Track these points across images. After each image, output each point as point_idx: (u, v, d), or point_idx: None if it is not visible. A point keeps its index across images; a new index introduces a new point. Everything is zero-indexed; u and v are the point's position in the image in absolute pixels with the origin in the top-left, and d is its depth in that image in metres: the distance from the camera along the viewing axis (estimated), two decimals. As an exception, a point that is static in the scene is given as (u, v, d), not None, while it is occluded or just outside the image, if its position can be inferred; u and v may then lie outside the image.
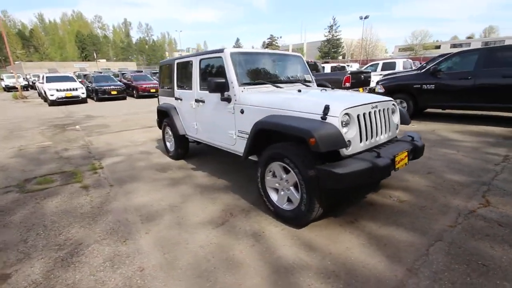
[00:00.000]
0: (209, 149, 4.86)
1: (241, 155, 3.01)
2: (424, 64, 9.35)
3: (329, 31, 52.82)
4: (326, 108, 2.13)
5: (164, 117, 4.60)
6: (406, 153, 2.39)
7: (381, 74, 10.77)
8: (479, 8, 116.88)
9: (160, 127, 4.92)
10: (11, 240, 2.37)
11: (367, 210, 2.61)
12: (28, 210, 2.91)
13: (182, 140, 4.24)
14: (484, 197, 2.76)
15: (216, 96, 3.15)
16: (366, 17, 32.96)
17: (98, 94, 13.84)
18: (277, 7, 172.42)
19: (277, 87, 3.14)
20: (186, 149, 4.40)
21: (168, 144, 4.67)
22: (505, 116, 6.45)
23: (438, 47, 47.53)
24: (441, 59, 6.71)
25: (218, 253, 2.08)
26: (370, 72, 9.49)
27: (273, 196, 2.52)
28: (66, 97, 12.44)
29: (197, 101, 3.56)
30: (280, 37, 56.55)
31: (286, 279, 1.77)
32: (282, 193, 2.44)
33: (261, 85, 3.08)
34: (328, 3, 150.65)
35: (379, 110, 2.49)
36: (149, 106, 12.07)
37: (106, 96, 13.96)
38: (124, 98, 15.03)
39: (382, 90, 7.09)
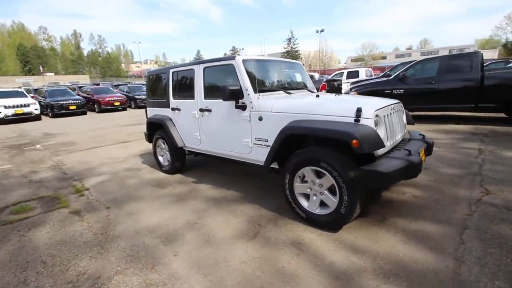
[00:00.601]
0: (205, 161, 4.69)
1: (257, 163, 2.94)
2: (388, 72, 10.27)
3: (288, 44, 55.37)
4: (359, 111, 2.18)
5: (157, 129, 4.30)
6: (423, 150, 2.55)
7: (348, 82, 11.53)
8: (415, 23, 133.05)
9: (149, 141, 4.58)
10: (6, 284, 1.95)
11: (390, 208, 2.69)
12: (13, 246, 2.43)
13: (179, 153, 3.99)
14: (482, 186, 3.04)
15: (227, 104, 3.05)
16: (321, 31, 35.34)
17: (54, 110, 12.47)
18: (232, 20, 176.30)
19: (288, 93, 3.15)
20: (183, 162, 4.15)
21: (161, 158, 4.36)
22: (465, 115, 7.31)
23: (384, 57, 53.00)
24: (407, 66, 7.41)
25: (266, 267, 1.95)
26: (341, 80, 10.10)
27: (304, 202, 2.47)
28: (16, 114, 10.98)
29: (202, 110, 3.39)
30: (243, 49, 57.85)
31: (350, 285, 1.72)
32: (314, 198, 2.40)
33: (274, 92, 3.06)
34: (283, 17, 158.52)
35: (395, 111, 2.63)
36: (116, 120, 11.27)
37: (64, 111, 12.65)
38: (85, 113, 13.77)
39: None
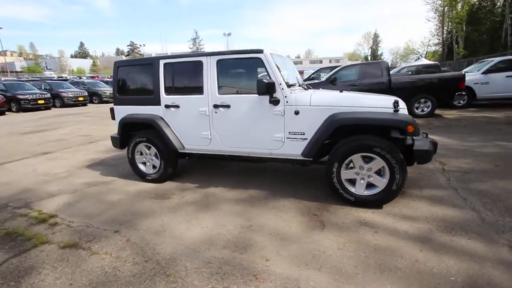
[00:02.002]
0: (189, 163, 4.24)
1: (289, 158, 2.99)
2: (312, 75, 11.84)
3: (193, 43, 54.28)
4: (396, 102, 2.59)
5: (136, 131, 3.61)
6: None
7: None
8: (302, 34, 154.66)
9: (121, 147, 3.78)
10: None
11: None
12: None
13: (173, 157, 3.50)
14: (436, 160, 4.08)
15: (253, 99, 2.94)
16: (229, 34, 36.47)
17: None
18: (125, 12, 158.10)
19: (305, 88, 3.31)
20: (175, 167, 3.65)
21: (142, 166, 3.68)
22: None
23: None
24: (335, 70, 8.76)
25: (362, 247, 2.07)
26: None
27: (350, 187, 2.71)
28: None
29: (216, 106, 3.10)
30: (144, 45, 52.62)
31: (434, 243, 2.07)
32: (361, 181, 2.67)
33: (293, 87, 3.14)
34: (180, 16, 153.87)
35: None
36: (7, 127, 8.46)
37: None
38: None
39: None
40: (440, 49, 35.04)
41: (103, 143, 6.19)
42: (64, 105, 14.42)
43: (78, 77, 33.17)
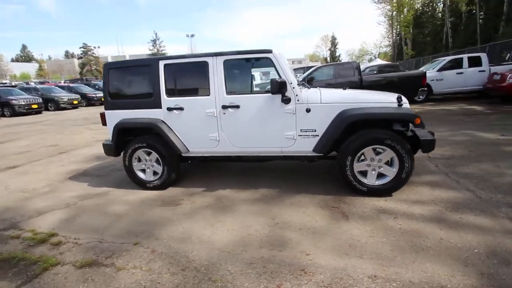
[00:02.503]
0: (193, 166, 4.10)
1: (301, 154, 3.06)
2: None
3: (153, 45, 52.04)
4: (399, 97, 2.80)
5: (132, 137, 3.40)
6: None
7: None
8: (265, 36, 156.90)
9: (117, 154, 3.52)
10: None
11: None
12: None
13: (176, 161, 3.36)
14: (418, 150, 4.47)
15: (263, 98, 2.97)
16: (192, 35, 35.74)
17: None
18: (72, 10, 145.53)
19: (308, 87, 3.40)
20: (179, 171, 3.50)
21: (140, 173, 3.47)
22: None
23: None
24: (311, 70, 9.10)
25: (391, 233, 2.21)
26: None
27: (363, 179, 2.86)
28: None
29: (224, 107, 3.05)
30: (98, 47, 48.76)
31: (449, 222, 2.29)
32: (373, 172, 2.84)
33: (300, 85, 3.22)
34: (137, 16, 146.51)
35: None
36: None
37: None
38: None
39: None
40: (391, 50, 38.36)
41: (78, 153, 5.69)
42: (14, 114, 12.89)
43: (25, 82, 29.74)
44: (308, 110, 2.91)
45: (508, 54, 12.00)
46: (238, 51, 3.04)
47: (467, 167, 3.51)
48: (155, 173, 3.44)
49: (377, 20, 43.58)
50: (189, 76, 3.21)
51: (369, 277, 1.75)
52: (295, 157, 3.11)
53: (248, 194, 3.17)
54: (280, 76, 2.90)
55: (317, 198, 2.94)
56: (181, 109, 3.18)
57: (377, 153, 2.80)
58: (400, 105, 2.78)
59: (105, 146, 3.56)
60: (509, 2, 15.63)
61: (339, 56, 60.76)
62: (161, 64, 3.18)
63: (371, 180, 2.86)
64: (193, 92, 3.19)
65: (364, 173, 2.88)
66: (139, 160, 3.45)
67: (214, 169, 4.11)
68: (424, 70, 9.22)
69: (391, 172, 2.79)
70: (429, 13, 29.42)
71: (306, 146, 3.01)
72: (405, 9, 29.61)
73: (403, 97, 2.85)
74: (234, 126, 3.11)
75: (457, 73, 9.49)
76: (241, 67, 3.14)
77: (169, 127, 3.24)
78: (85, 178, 4.12)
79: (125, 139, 3.47)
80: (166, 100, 3.20)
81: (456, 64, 9.70)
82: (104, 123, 3.51)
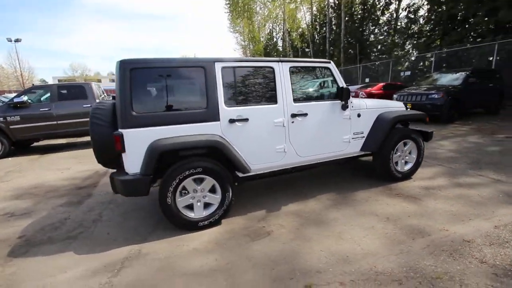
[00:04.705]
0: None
1: (351, 156, 3.41)
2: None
3: None
4: (405, 103, 3.74)
5: (172, 161, 2.50)
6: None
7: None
8: (115, 49, 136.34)
9: (147, 191, 2.44)
10: None
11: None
12: None
13: (234, 185, 2.78)
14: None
15: (327, 105, 3.09)
16: (17, 40, 26.47)
17: None
18: None
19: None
20: (232, 197, 2.87)
21: (186, 211, 2.58)
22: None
23: (99, 80, 50.69)
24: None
25: (458, 197, 2.94)
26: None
27: (397, 167, 3.54)
28: None
29: (293, 115, 2.87)
30: None
31: (472, 197, 3.32)
32: (402, 161, 3.58)
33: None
34: None
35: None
36: None
37: None
38: None
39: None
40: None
41: None
42: None
43: None
44: (359, 115, 3.30)
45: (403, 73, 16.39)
46: (300, 60, 3.01)
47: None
48: (207, 205, 2.66)
49: (233, 47, 49.30)
50: (251, 82, 2.77)
51: (495, 227, 2.36)
52: (347, 158, 3.39)
53: (317, 203, 3.09)
54: (338, 85, 3.12)
55: (372, 191, 3.33)
56: (245, 120, 2.69)
57: (404, 145, 3.57)
58: (406, 108, 3.72)
59: (125, 182, 2.36)
60: (330, 43, 22.65)
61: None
62: (218, 66, 2.58)
63: (401, 167, 3.59)
64: (257, 100, 2.78)
65: (396, 163, 3.58)
66: (183, 193, 2.55)
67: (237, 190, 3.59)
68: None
69: (411, 159, 3.65)
70: (272, 45, 36.81)
71: (356, 147, 3.36)
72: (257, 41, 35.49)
73: (404, 103, 3.82)
74: (302, 135, 2.99)
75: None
76: (302, 75, 3.07)
77: (229, 143, 2.64)
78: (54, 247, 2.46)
79: (159, 167, 2.47)
80: (226, 111, 2.61)
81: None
82: (121, 147, 2.34)
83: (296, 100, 2.94)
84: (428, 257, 2.05)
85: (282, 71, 2.84)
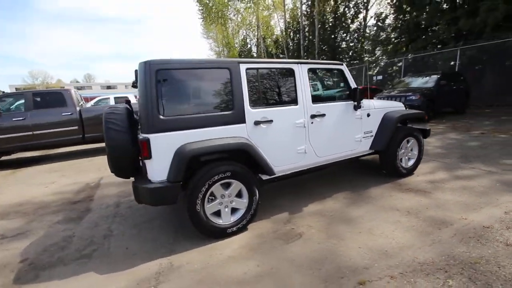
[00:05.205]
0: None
1: (362, 154, 3.53)
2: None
3: None
4: (404, 104, 3.96)
5: (196, 167, 2.40)
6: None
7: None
8: (75, 57, 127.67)
9: (176, 199, 2.30)
10: None
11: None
12: None
13: (260, 188, 2.73)
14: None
15: (342, 105, 3.17)
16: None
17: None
18: None
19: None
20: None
21: (215, 217, 2.48)
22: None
23: (63, 87, 47.08)
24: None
25: (462, 188, 3.15)
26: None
27: (402, 164, 3.71)
28: None
29: (313, 116, 2.90)
30: None
31: (473, 188, 3.58)
32: (406, 157, 3.76)
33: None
34: None
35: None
36: None
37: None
38: None
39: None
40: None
41: None
42: None
43: None
44: (368, 115, 3.42)
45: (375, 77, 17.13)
46: (315, 61, 3.07)
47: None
48: (233, 211, 2.58)
49: (207, 54, 48.71)
50: (273, 84, 2.76)
51: (505, 213, 2.57)
52: (357, 157, 3.50)
53: (335, 202, 3.14)
54: (350, 86, 3.23)
55: (383, 187, 3.46)
56: (269, 122, 2.67)
57: (407, 142, 3.77)
58: (406, 108, 3.94)
59: (154, 191, 2.20)
60: (304, 49, 23.43)
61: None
62: (243, 68, 2.54)
63: (405, 164, 3.78)
64: (279, 101, 2.78)
65: (401, 160, 3.76)
66: (210, 199, 2.45)
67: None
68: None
69: (414, 156, 3.85)
70: (246, 52, 37.15)
71: (365, 146, 3.48)
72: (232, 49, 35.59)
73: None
74: (320, 135, 3.03)
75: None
76: (320, 76, 3.13)
77: (256, 145, 2.60)
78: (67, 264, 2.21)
79: (192, 168, 2.35)
80: (251, 113, 2.57)
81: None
82: (147, 154, 2.19)
83: (314, 101, 2.98)
84: (459, 245, 2.16)
85: (301, 72, 2.87)
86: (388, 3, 16.83)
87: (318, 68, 3.22)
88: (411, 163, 3.84)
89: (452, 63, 11.94)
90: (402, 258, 2.06)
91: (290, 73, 2.83)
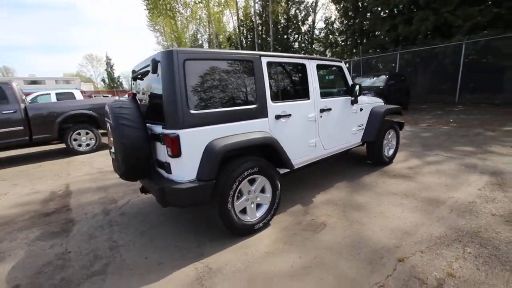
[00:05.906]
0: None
1: (355, 146, 3.81)
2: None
3: None
4: (383, 99, 4.39)
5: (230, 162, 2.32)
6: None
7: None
8: None
9: (210, 198, 2.17)
10: None
11: (359, 152, 5.13)
12: None
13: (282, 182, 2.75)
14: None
15: (343, 100, 3.37)
16: None
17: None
18: None
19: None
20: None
21: (243, 214, 2.41)
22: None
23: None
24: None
25: (446, 171, 3.66)
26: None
27: (386, 153, 4.12)
28: None
29: (322, 110, 3.02)
30: None
31: (458, 176, 4.16)
32: (387, 147, 4.18)
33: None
34: None
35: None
36: None
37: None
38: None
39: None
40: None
41: None
42: None
43: None
44: (361, 109, 3.71)
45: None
46: (323, 58, 3.17)
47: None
48: (258, 206, 2.54)
49: (155, 48, 45.25)
50: (289, 78, 2.77)
51: (479, 190, 3.09)
52: (350, 148, 3.77)
53: (340, 192, 3.33)
54: (349, 82, 3.45)
55: (374, 176, 3.79)
56: (288, 116, 2.69)
57: (388, 134, 4.20)
58: (385, 103, 4.39)
59: (187, 191, 2.02)
60: (259, 47, 23.83)
61: (118, 77, 56.96)
62: (264, 60, 2.50)
63: (387, 153, 4.21)
64: (294, 96, 2.81)
65: (384, 150, 4.17)
66: (238, 196, 2.37)
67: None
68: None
69: (393, 146, 4.32)
70: (198, 48, 36.05)
71: (358, 138, 3.78)
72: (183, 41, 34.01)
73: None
74: (326, 128, 3.17)
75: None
76: (324, 72, 3.23)
77: (277, 140, 2.60)
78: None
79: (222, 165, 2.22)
80: (273, 107, 2.56)
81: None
82: (177, 151, 2.00)
83: (323, 96, 3.10)
84: (459, 219, 2.53)
85: (311, 67, 2.96)
86: (336, 8, 18.24)
87: (323, 65, 3.37)
88: (391, 152, 4.30)
89: (392, 65, 13.60)
90: (421, 235, 2.31)
91: (303, 68, 2.89)
